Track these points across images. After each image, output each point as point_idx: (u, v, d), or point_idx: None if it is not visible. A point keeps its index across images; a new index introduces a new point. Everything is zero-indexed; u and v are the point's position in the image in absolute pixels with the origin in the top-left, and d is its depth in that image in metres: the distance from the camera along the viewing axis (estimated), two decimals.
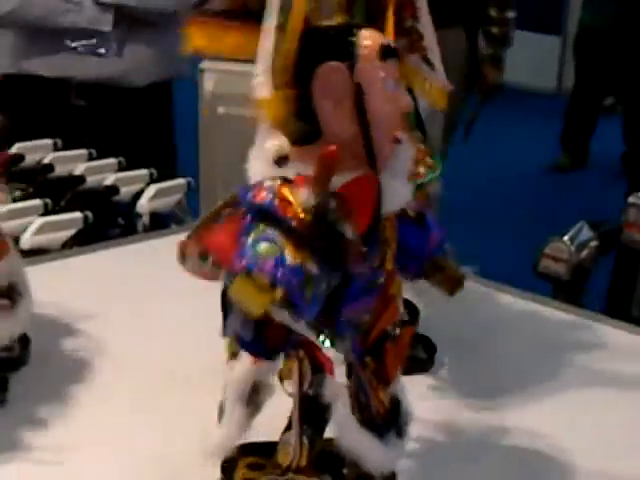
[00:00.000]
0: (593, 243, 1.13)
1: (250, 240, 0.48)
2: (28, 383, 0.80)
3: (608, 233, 1.19)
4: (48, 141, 1.34)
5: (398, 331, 0.59)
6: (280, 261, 0.46)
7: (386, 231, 0.54)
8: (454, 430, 0.77)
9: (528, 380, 0.88)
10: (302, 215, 0.48)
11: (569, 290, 1.08)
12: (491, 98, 2.49)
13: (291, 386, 0.54)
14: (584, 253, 1.10)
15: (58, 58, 1.59)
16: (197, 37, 0.64)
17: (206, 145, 1.75)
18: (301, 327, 0.51)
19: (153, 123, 1.70)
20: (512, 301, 1.07)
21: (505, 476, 0.72)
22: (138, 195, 1.31)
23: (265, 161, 0.53)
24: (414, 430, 0.63)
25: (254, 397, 0.55)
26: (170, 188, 1.35)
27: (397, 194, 0.54)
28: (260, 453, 0.60)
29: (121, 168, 1.39)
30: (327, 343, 0.54)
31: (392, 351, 0.56)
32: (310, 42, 0.51)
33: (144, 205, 1.30)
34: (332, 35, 0.52)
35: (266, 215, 0.48)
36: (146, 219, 1.31)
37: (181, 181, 1.37)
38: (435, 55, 0.81)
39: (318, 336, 0.53)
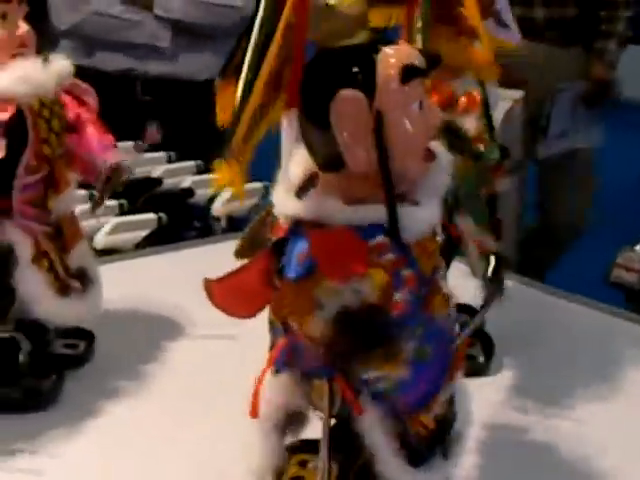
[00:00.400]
0: None
1: None
2: (89, 379, 0.83)
3: None
4: (129, 143, 1.38)
5: None
6: None
7: (416, 250, 0.50)
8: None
9: (589, 389, 0.86)
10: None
11: None
12: (600, 97, 2.33)
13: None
14: None
15: (119, 56, 1.65)
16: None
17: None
18: None
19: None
20: (580, 310, 1.07)
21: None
22: (214, 198, 1.33)
23: (288, 190, 0.51)
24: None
25: (289, 425, 0.54)
26: (247, 192, 1.37)
27: (423, 216, 0.50)
28: (311, 450, 0.58)
29: (199, 171, 1.41)
30: None
31: None
32: (324, 66, 0.48)
33: (220, 208, 1.32)
34: (348, 58, 0.48)
35: None
36: (223, 222, 1.33)
37: (258, 185, 1.38)
38: (508, 15, 0.81)
39: None
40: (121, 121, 1.55)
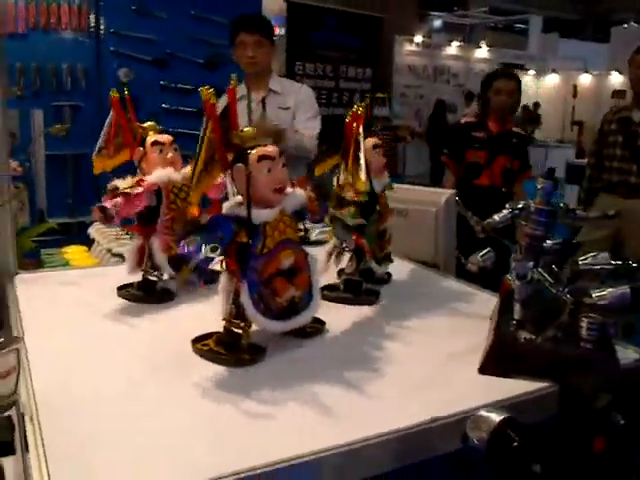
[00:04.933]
0: None
1: None
2: None
3: None
4: None
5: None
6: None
7: (267, 229, 1.23)
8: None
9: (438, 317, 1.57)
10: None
11: None
12: None
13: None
14: None
15: None
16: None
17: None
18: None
19: None
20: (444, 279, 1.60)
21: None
22: None
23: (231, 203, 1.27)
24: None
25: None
26: None
27: (265, 215, 1.23)
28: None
29: None
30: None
31: (279, 281, 1.25)
32: (238, 154, 1.23)
33: None
34: (243, 152, 1.23)
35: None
36: None
37: None
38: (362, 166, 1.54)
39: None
40: None
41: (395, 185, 1.88)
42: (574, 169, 8.49)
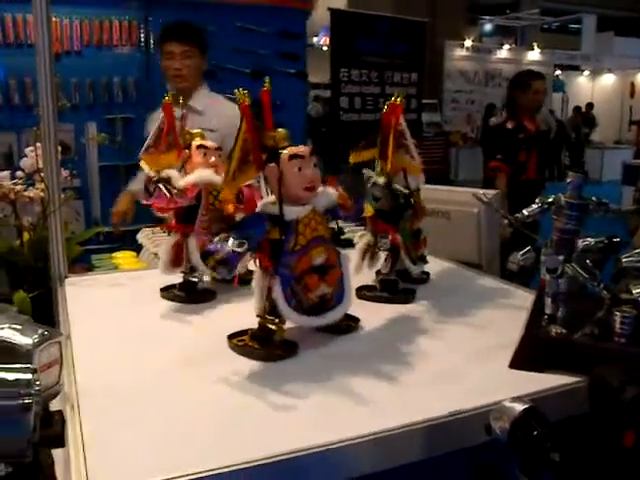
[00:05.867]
0: None
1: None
2: None
3: None
4: None
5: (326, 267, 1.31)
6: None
7: (299, 227, 1.27)
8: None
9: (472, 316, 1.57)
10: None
11: None
12: None
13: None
14: None
15: None
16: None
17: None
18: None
19: None
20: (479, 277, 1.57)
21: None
22: None
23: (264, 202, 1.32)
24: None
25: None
26: None
27: (296, 211, 1.27)
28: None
29: None
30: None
31: (311, 277, 1.29)
32: (270, 154, 1.27)
33: None
34: (275, 152, 1.27)
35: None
36: None
37: None
38: (413, 151, 1.57)
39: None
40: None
41: (435, 187, 1.88)
42: (631, 170, 8.27)
